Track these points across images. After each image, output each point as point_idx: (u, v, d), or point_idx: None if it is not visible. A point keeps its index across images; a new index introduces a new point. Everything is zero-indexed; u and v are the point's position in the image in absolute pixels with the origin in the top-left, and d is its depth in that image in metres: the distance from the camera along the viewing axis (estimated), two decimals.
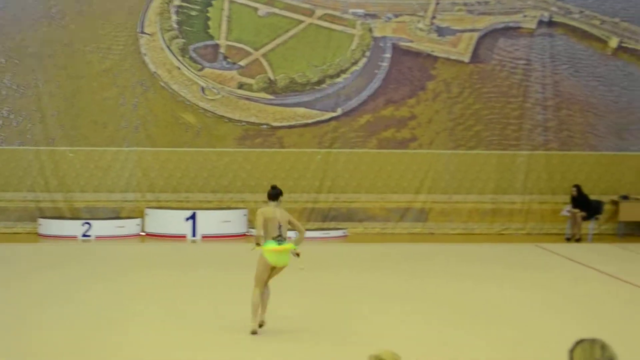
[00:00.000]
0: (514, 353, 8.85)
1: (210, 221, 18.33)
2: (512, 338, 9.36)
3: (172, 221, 18.28)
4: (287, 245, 9.35)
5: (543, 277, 13.66)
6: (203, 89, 19.22)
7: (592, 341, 3.90)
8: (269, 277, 9.40)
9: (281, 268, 9.44)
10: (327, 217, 19.39)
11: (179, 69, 19.21)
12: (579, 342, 3.92)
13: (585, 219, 18.76)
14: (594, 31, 19.91)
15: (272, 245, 9.24)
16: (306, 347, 9.04)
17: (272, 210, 9.47)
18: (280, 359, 8.66)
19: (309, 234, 18.12)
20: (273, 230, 9.28)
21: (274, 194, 9.62)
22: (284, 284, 10.36)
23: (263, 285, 9.37)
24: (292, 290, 11.38)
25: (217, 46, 19.37)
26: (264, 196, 18.77)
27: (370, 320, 10.43)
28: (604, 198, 19.48)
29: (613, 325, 9.75)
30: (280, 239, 9.28)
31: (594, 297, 11.86)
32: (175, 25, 19.33)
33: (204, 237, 18.17)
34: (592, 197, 19.10)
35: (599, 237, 18.94)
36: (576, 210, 18.72)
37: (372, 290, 12.35)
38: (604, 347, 3.87)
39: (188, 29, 19.40)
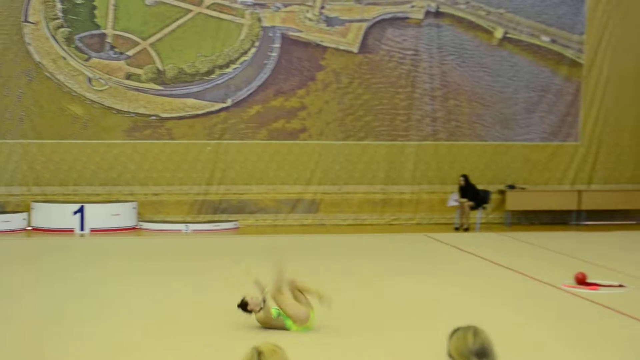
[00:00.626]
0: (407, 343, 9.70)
1: (99, 215, 18.79)
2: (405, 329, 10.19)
3: (60, 215, 18.66)
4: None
5: (434, 268, 14.18)
6: (90, 80, 19.67)
7: (466, 329, 4.23)
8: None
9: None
10: (217, 209, 20.10)
11: (65, 59, 19.62)
12: (455, 331, 4.26)
13: (473, 208, 19.83)
14: (480, 22, 21.14)
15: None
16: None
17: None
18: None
19: (198, 226, 19.10)
20: None
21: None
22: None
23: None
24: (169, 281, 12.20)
25: (103, 35, 19.82)
26: (155, 189, 19.63)
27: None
28: (491, 187, 20.70)
29: (504, 314, 10.40)
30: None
31: (485, 286, 12.39)
32: (60, 14, 19.72)
33: (93, 230, 18.64)
34: (480, 186, 20.23)
35: (487, 226, 20.09)
36: (464, 200, 19.77)
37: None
38: (476, 333, 4.21)
39: (73, 17, 19.79)
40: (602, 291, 12.01)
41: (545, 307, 10.93)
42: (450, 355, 4.21)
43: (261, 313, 9.00)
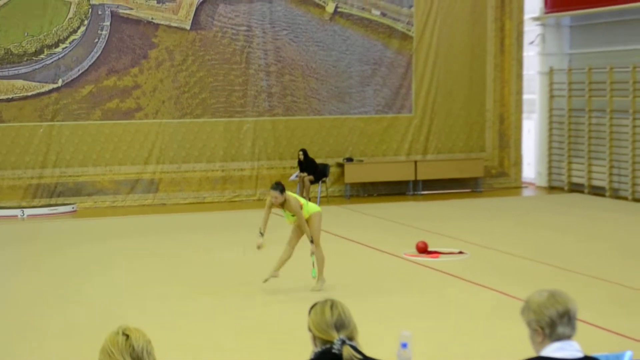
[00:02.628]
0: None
1: None
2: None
3: None
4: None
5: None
6: None
7: (323, 302, 4.82)
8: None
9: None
10: (54, 193, 22.08)
11: None
12: (313, 306, 4.85)
13: (312, 182, 22.61)
14: None
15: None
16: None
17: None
18: None
19: (34, 211, 21.42)
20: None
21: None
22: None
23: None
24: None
25: None
26: None
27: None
28: (330, 161, 23.60)
29: (351, 284, 12.60)
30: None
31: (329, 257, 13.63)
32: None
33: None
34: (318, 160, 23.09)
35: (327, 200, 22.95)
36: (304, 174, 22.45)
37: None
38: (333, 305, 4.78)
39: None
40: (443, 259, 14.28)
41: (389, 276, 13.05)
42: (309, 330, 4.77)
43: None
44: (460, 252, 14.88)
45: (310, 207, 12.55)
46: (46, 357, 9.77)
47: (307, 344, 4.95)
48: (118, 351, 4.14)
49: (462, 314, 10.94)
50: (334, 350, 4.61)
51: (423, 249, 14.79)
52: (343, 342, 4.63)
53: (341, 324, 4.67)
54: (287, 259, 12.51)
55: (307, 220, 12.27)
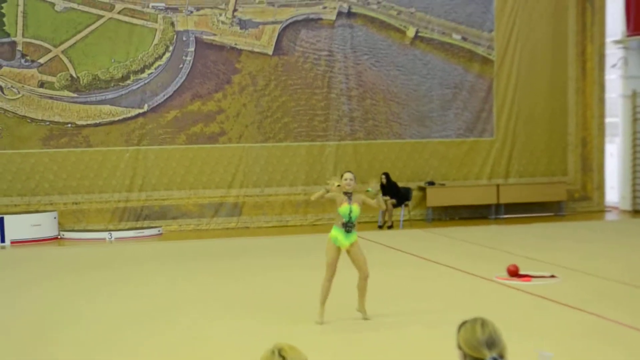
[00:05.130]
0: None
1: (19, 226, 20.95)
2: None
3: None
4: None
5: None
6: (2, 89, 21.96)
7: (473, 320, 4.73)
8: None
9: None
10: (140, 216, 22.45)
11: None
12: (462, 324, 4.76)
13: (395, 206, 22.65)
14: (392, 21, 24.38)
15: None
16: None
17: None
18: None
19: (121, 234, 21.71)
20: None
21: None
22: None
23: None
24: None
25: (14, 43, 21.97)
26: (74, 197, 22.03)
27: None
28: (411, 185, 23.62)
29: (446, 308, 12.46)
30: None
31: (421, 281, 14.22)
32: None
33: (13, 242, 20.84)
34: (400, 184, 23.11)
35: (410, 223, 23.00)
36: (386, 198, 22.45)
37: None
38: (484, 324, 4.71)
39: None
40: (535, 282, 13.99)
41: (482, 300, 12.77)
42: (459, 348, 4.72)
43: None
44: (552, 276, 14.64)
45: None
46: None
47: None
48: None
49: (563, 335, 10.81)
50: None
51: (514, 273, 14.58)
52: None
53: (492, 342, 4.65)
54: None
55: (354, 247, 11.49)
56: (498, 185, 24.25)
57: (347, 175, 11.35)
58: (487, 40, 24.74)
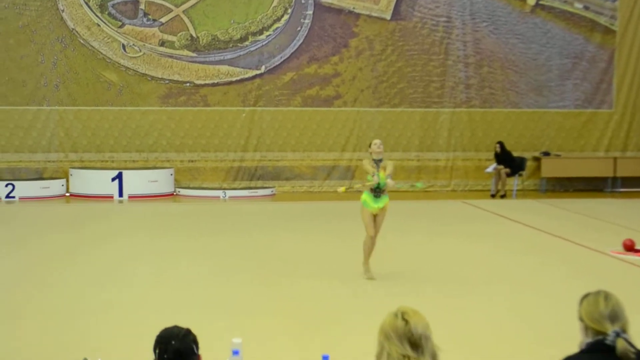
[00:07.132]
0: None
1: (137, 181, 21.41)
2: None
3: (98, 181, 21.23)
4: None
5: (480, 231, 16.40)
6: (124, 47, 22.42)
7: (597, 293, 4.68)
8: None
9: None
10: (254, 176, 22.72)
11: (99, 25, 22.27)
12: (585, 297, 4.73)
13: (509, 175, 22.42)
14: None
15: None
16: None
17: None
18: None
19: (235, 193, 21.99)
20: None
21: None
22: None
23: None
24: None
25: (136, 2, 22.32)
26: (191, 155, 22.41)
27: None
28: (526, 154, 23.32)
29: (564, 279, 12.30)
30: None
31: (538, 252, 14.16)
32: None
33: (131, 197, 21.37)
34: (515, 153, 22.85)
35: (523, 193, 22.76)
36: (500, 167, 22.33)
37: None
38: (607, 297, 4.65)
39: None
40: None
41: (599, 274, 12.48)
42: (581, 319, 4.67)
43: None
44: None
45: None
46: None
47: None
48: (396, 336, 4.10)
49: None
50: (607, 342, 4.50)
51: (630, 247, 14.22)
52: (617, 335, 4.50)
53: (615, 316, 4.56)
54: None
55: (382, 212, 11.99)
56: (615, 158, 23.76)
57: (376, 141, 11.89)
58: (610, 10, 24.17)
